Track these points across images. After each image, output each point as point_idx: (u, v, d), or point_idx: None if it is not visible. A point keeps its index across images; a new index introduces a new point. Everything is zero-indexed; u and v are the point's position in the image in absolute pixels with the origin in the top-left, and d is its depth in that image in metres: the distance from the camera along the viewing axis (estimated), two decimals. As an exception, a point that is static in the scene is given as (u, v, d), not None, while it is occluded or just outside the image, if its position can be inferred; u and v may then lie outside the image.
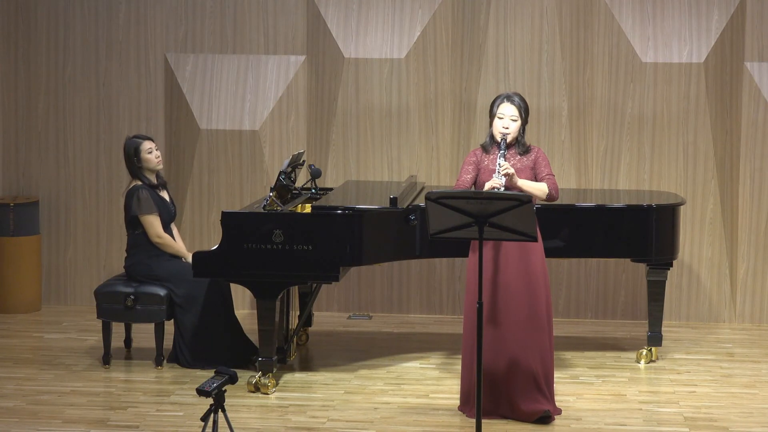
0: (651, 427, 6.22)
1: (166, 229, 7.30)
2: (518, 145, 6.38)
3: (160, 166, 7.35)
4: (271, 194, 6.90)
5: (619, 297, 8.55)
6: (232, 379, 5.22)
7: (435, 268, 8.63)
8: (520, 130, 6.36)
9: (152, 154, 7.28)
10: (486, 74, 8.49)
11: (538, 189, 6.33)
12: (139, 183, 7.24)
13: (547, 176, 6.38)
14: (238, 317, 7.40)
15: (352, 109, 8.56)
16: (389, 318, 8.58)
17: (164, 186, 7.41)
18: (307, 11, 8.60)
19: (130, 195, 7.21)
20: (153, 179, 7.31)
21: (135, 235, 7.25)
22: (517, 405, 6.24)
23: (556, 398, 6.47)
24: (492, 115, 6.37)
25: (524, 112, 6.36)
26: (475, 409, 5.85)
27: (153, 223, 7.21)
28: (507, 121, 6.32)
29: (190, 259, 7.18)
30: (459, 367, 7.21)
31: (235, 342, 7.27)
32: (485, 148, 6.40)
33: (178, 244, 7.34)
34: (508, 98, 6.35)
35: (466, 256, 6.40)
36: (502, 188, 6.14)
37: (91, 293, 7.90)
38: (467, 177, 6.35)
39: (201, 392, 5.12)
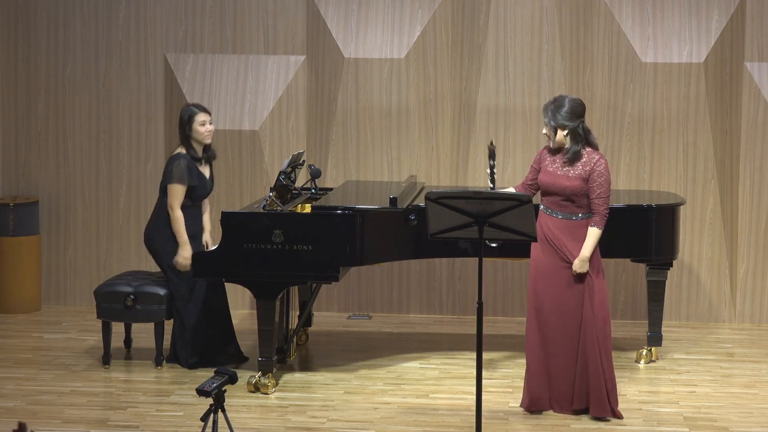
0: (651, 427, 6.22)
1: (198, 202, 7.25)
2: (567, 151, 6.31)
3: (209, 141, 7.24)
4: (271, 194, 6.90)
5: (619, 297, 8.55)
6: (232, 379, 5.22)
7: (435, 268, 8.62)
8: (564, 135, 6.27)
9: (204, 126, 7.18)
10: (486, 74, 8.49)
11: (597, 237, 6.26)
12: (183, 152, 7.20)
13: (595, 200, 6.24)
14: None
15: (351, 109, 8.56)
16: (389, 318, 8.57)
17: (209, 161, 7.32)
18: (307, 11, 8.60)
19: (171, 161, 7.14)
20: (199, 151, 7.25)
21: (165, 201, 7.21)
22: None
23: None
24: None
25: (551, 114, 6.27)
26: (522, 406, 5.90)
27: (175, 193, 7.10)
28: (545, 129, 6.37)
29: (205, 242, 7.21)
30: (458, 367, 7.24)
31: (233, 342, 7.26)
32: (550, 149, 6.39)
33: (184, 228, 7.11)
34: (544, 106, 6.36)
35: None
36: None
37: (91, 293, 7.90)
38: (528, 176, 6.45)
39: (201, 392, 5.12)
